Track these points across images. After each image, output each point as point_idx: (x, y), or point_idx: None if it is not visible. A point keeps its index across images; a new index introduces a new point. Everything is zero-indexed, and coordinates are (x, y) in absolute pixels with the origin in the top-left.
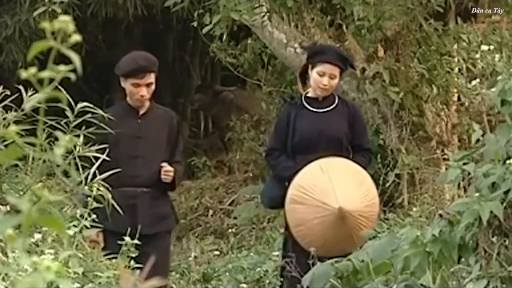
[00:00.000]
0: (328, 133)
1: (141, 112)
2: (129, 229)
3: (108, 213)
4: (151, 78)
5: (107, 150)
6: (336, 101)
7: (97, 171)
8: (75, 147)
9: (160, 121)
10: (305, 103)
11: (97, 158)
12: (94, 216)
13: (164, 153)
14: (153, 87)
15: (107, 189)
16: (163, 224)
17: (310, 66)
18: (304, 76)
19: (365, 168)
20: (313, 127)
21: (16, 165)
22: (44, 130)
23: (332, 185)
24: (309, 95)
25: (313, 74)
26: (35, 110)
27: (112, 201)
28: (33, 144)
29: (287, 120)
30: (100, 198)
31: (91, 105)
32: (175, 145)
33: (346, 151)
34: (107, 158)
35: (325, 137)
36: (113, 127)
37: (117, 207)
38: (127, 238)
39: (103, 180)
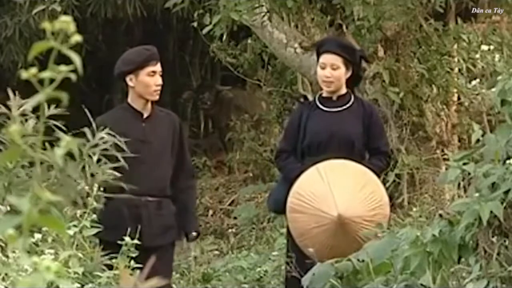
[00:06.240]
0: (340, 135)
1: (145, 115)
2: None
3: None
4: (160, 67)
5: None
6: (352, 100)
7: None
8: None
9: (164, 124)
10: (318, 102)
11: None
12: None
13: (171, 159)
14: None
15: (110, 197)
16: (168, 235)
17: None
18: None
19: (380, 173)
20: (325, 128)
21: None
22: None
23: (332, 191)
24: (323, 94)
25: (318, 69)
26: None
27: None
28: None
29: (299, 120)
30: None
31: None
32: (181, 152)
33: (359, 153)
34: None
35: (336, 138)
36: (116, 131)
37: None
38: (127, 239)
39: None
